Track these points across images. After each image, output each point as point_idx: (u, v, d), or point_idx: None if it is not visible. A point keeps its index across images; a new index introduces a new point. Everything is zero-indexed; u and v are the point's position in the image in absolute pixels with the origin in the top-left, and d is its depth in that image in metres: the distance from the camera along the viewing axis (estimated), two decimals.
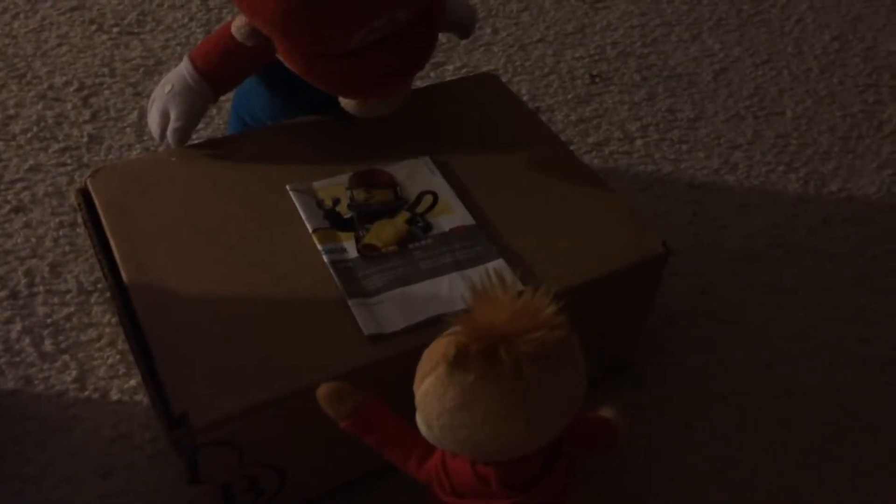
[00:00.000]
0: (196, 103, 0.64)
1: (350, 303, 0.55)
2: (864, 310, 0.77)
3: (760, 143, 0.94)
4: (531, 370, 0.39)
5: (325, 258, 0.57)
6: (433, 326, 0.54)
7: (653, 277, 0.63)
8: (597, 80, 1.00)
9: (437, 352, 0.42)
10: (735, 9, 1.16)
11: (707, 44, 1.08)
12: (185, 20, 1.03)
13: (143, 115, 0.89)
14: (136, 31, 1.01)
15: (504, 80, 0.99)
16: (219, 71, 0.63)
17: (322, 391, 0.47)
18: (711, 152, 0.92)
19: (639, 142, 0.92)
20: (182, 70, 0.64)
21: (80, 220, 0.77)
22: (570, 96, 0.98)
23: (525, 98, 0.97)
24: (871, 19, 1.16)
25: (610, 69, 1.03)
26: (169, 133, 0.64)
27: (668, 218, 0.84)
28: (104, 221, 0.59)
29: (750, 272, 0.80)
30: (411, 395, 0.46)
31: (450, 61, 1.01)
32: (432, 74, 0.99)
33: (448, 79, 0.98)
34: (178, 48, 0.99)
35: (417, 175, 0.65)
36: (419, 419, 0.44)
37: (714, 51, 1.07)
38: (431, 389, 0.42)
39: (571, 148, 0.90)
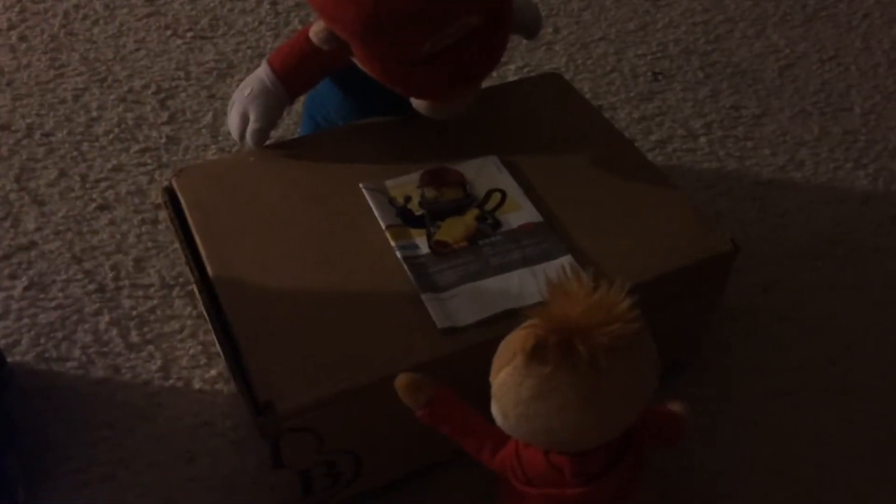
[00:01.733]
0: (274, 105, 0.67)
1: (423, 297, 0.57)
2: None
3: (827, 140, 0.93)
4: (606, 362, 0.41)
5: (398, 254, 0.60)
6: (504, 320, 0.55)
7: (720, 275, 0.64)
8: (659, 77, 1.01)
9: (514, 343, 0.43)
10: (800, 3, 1.14)
11: (772, 39, 1.08)
12: (255, 24, 1.06)
13: (217, 117, 0.92)
14: (208, 35, 1.05)
15: (566, 78, 1.00)
16: (295, 74, 0.66)
17: (400, 381, 0.49)
18: (777, 149, 0.92)
19: (703, 139, 0.93)
20: (261, 73, 0.67)
21: (161, 217, 0.81)
22: (632, 94, 0.98)
23: (587, 96, 0.97)
24: None
25: (672, 67, 1.03)
26: (248, 134, 0.67)
27: (732, 215, 0.84)
28: (189, 219, 0.62)
29: (814, 269, 0.79)
30: (483, 386, 0.47)
31: (512, 61, 1.03)
32: (495, 74, 1.00)
33: (511, 78, 1.00)
34: (249, 51, 1.02)
35: (485, 173, 0.66)
36: (495, 409, 0.45)
37: (779, 47, 1.07)
38: (509, 380, 0.43)
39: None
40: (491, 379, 0.45)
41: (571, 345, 0.41)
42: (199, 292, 0.59)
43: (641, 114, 0.96)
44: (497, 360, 0.45)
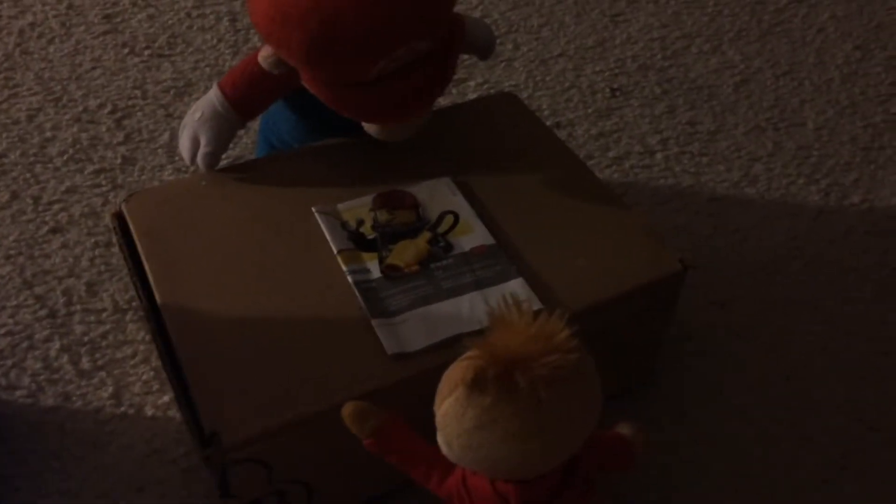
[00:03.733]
0: (225, 129, 0.66)
1: (373, 322, 0.56)
2: (885, 323, 0.77)
3: (781, 155, 0.94)
4: (547, 393, 0.41)
5: (349, 279, 0.59)
6: (454, 345, 0.55)
7: (670, 295, 0.64)
8: (617, 93, 1.02)
9: (455, 375, 0.43)
10: (756, 19, 1.16)
11: (728, 55, 1.09)
12: (214, 41, 1.06)
13: (174, 137, 0.92)
14: (166, 53, 1.04)
15: (525, 95, 1.00)
16: (246, 98, 0.66)
17: (346, 410, 0.49)
18: (732, 165, 0.93)
19: (659, 155, 0.94)
20: (211, 97, 0.66)
21: (114, 240, 0.80)
22: (590, 110, 0.99)
23: (545, 113, 0.98)
24: (893, 27, 1.16)
25: (630, 83, 1.04)
26: (199, 158, 0.66)
27: (687, 231, 0.85)
28: (138, 245, 0.62)
29: (770, 285, 0.80)
30: (433, 412, 0.47)
31: (471, 77, 1.03)
32: (454, 91, 1.01)
33: (470, 95, 1.00)
34: (208, 69, 1.02)
35: (438, 195, 0.66)
36: (440, 439, 0.45)
37: (735, 62, 1.08)
38: (451, 411, 0.43)
39: (591, 162, 0.91)
40: (435, 409, 0.45)
41: (511, 376, 0.41)
42: (147, 320, 0.58)
43: (599, 130, 0.96)
44: (440, 390, 0.45)
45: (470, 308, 0.58)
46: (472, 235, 0.63)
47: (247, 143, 0.92)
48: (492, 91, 1.01)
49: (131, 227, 0.63)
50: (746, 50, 1.10)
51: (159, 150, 0.90)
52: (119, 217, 0.64)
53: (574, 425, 0.44)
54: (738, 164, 0.93)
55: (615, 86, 1.03)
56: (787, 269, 0.82)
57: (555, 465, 0.45)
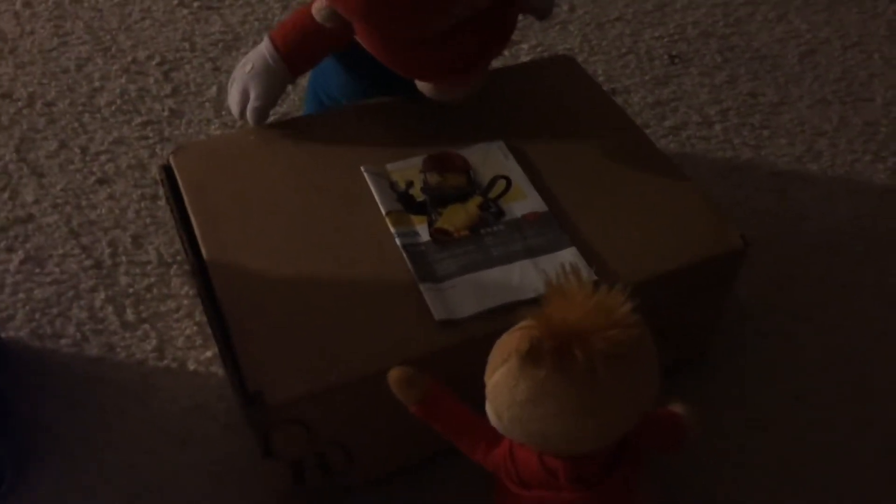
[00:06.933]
0: (275, 83, 0.65)
1: (421, 287, 0.55)
2: None
3: (847, 131, 0.90)
4: (604, 369, 0.39)
5: (397, 241, 0.58)
6: (504, 313, 0.54)
7: (729, 272, 0.62)
8: (676, 60, 0.98)
9: (509, 344, 0.42)
10: None
11: (793, 24, 1.04)
12: None
13: (221, 91, 0.91)
14: (215, 5, 1.02)
15: (580, 59, 0.97)
16: (298, 51, 0.64)
17: (393, 375, 0.47)
18: (794, 139, 0.89)
19: (718, 126, 0.90)
20: (262, 50, 0.65)
21: (161, 193, 0.79)
22: (647, 77, 0.96)
23: (601, 79, 0.95)
24: None
25: (690, 49, 1.00)
26: (248, 112, 0.65)
27: (746, 207, 0.82)
28: (186, 199, 0.61)
29: (831, 266, 0.77)
30: (480, 382, 0.46)
31: (525, 40, 1.00)
32: (507, 53, 0.98)
33: (523, 58, 0.97)
34: (256, 23, 1.00)
35: (491, 159, 0.64)
36: (489, 409, 0.44)
37: (801, 31, 1.03)
38: (502, 381, 0.42)
39: (648, 132, 0.88)
40: (485, 379, 0.44)
41: (568, 349, 0.39)
42: (193, 275, 0.57)
43: (656, 98, 0.93)
44: (491, 360, 0.43)
45: (520, 276, 0.56)
46: (525, 202, 0.61)
47: (294, 100, 0.90)
48: (545, 55, 0.98)
49: (178, 180, 0.62)
50: (814, 19, 1.05)
51: (206, 104, 0.89)
52: (167, 169, 0.63)
53: (631, 403, 0.42)
54: (801, 138, 0.89)
55: (674, 52, 0.99)
56: (849, 250, 0.79)
57: (608, 442, 0.43)
